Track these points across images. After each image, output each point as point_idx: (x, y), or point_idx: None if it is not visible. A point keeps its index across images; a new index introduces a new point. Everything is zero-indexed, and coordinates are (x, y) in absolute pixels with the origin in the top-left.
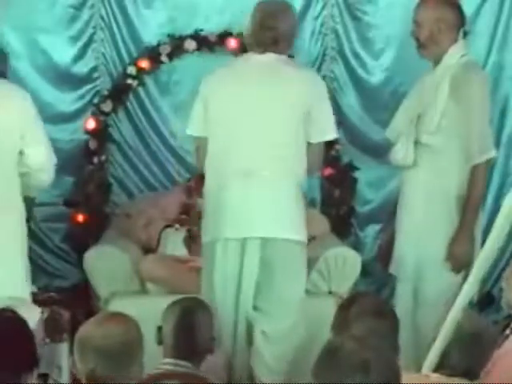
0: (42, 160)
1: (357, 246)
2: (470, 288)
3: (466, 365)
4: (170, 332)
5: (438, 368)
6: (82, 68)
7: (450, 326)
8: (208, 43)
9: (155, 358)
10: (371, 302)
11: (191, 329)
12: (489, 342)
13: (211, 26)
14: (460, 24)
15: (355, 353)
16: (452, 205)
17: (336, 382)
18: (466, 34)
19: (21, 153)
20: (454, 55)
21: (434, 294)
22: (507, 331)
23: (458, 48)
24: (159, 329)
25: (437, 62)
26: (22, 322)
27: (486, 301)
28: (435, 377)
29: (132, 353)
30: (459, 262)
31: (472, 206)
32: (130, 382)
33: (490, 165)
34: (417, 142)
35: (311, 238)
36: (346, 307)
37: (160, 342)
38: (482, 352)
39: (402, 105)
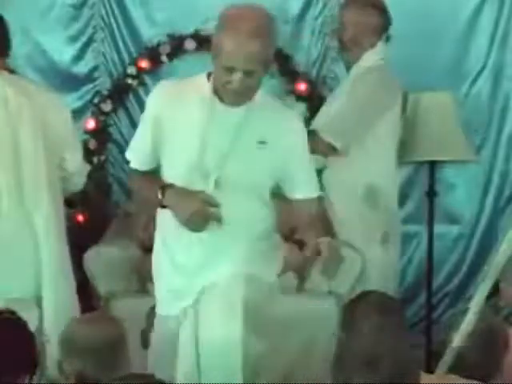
0: (79, 164)
1: None
2: (484, 289)
3: (481, 365)
4: None
5: (453, 368)
6: (81, 68)
7: (465, 328)
8: (208, 43)
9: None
10: (377, 299)
11: None
12: (503, 342)
13: (211, 26)
14: (384, 28)
15: (363, 350)
16: None
17: (346, 380)
18: (388, 39)
19: (60, 158)
20: (370, 58)
21: None
22: None
23: (376, 51)
24: (143, 332)
25: (354, 63)
26: (21, 324)
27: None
28: (452, 377)
29: (118, 352)
30: None
31: None
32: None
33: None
34: None
35: None
36: (352, 305)
37: (145, 345)
38: (496, 352)
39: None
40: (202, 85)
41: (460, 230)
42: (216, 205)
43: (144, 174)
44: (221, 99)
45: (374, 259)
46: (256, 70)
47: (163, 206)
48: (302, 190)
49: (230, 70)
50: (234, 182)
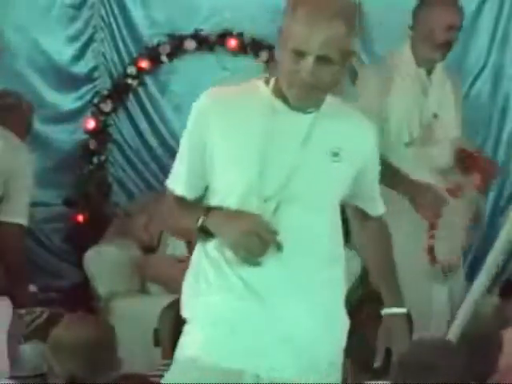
0: None
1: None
2: (481, 281)
3: (475, 366)
4: (168, 334)
5: None
6: (81, 68)
7: (461, 320)
8: (208, 43)
9: (155, 358)
10: None
11: None
12: (497, 344)
13: (211, 26)
14: None
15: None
16: None
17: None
18: None
19: None
20: None
21: None
22: None
23: None
24: (156, 331)
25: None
26: None
27: (508, 288)
28: None
29: (106, 351)
30: None
31: None
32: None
33: None
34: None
35: None
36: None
37: (157, 343)
38: (490, 354)
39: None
40: (258, 88)
41: None
42: (274, 232)
43: (184, 201)
44: (285, 102)
45: None
46: (331, 57)
47: (204, 232)
48: (376, 206)
49: (301, 55)
50: (299, 204)
